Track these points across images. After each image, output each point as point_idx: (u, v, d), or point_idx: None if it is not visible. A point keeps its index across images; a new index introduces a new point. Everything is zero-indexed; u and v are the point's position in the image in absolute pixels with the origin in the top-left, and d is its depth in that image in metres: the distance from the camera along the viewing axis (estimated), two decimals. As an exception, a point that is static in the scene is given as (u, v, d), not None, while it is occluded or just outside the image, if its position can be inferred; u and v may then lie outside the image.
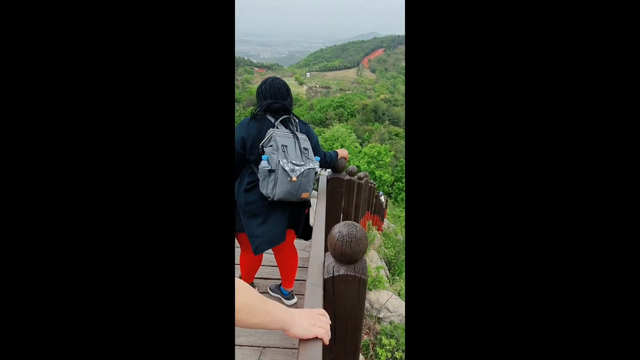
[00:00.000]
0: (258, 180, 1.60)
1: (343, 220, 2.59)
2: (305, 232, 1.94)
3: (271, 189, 1.54)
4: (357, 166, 22.56)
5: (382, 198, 13.97)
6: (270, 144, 1.54)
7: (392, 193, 25.64)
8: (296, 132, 1.66)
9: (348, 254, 0.91)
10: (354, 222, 0.95)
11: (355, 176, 3.79)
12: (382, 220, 11.90)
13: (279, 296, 2.19)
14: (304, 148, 1.61)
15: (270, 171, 1.53)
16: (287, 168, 1.52)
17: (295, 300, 2.19)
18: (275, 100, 1.65)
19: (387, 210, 15.74)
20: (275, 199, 1.56)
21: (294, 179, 1.53)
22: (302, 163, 1.58)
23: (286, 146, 1.55)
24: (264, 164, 1.54)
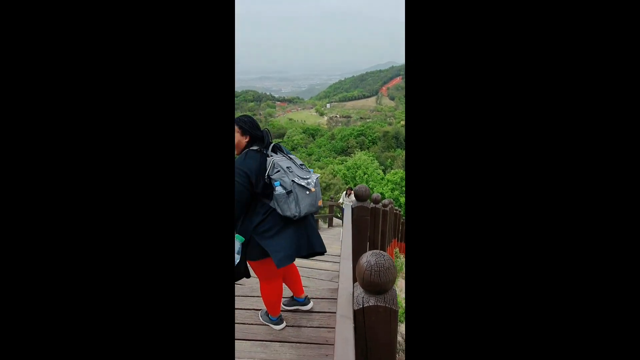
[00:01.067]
0: (271, 208, 1.69)
1: (369, 249, 2.55)
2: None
3: (294, 207, 1.64)
4: (381, 193, 22.29)
5: (409, 225, 13.61)
6: (276, 169, 1.65)
7: (418, 219, 24.95)
8: (287, 154, 1.82)
9: (377, 284, 0.89)
10: (381, 251, 0.94)
11: (380, 203, 3.75)
12: (410, 248, 11.54)
13: (296, 307, 2.17)
14: (300, 164, 1.77)
15: (288, 192, 1.63)
16: (303, 183, 1.65)
17: (311, 304, 2.23)
18: (261, 132, 1.80)
19: (415, 237, 15.29)
20: (302, 214, 1.65)
21: (313, 189, 1.67)
22: (308, 176, 1.72)
23: (289, 167, 1.68)
24: (279, 189, 1.64)
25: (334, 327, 2.29)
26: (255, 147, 1.73)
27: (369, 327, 0.92)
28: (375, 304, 0.90)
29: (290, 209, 1.64)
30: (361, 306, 0.91)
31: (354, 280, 1.28)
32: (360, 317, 0.91)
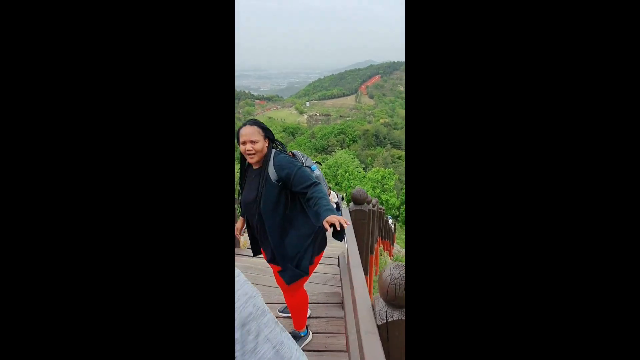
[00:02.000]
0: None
1: (363, 251, 2.52)
2: None
3: (325, 184, 1.80)
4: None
5: (391, 222, 13.80)
6: (305, 157, 1.84)
7: (399, 216, 25.37)
8: None
9: (402, 298, 0.86)
10: (403, 264, 0.91)
11: (370, 204, 3.75)
12: (392, 245, 11.68)
13: (288, 315, 2.15)
14: None
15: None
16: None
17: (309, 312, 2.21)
18: None
19: (396, 235, 15.51)
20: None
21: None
22: None
23: None
24: (317, 171, 1.80)
25: (332, 333, 2.26)
26: (278, 149, 1.71)
27: (393, 342, 0.89)
28: (400, 318, 0.87)
29: (325, 186, 1.79)
30: (385, 321, 0.88)
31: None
32: (384, 332, 0.88)
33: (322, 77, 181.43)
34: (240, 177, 1.82)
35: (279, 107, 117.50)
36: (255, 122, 1.67)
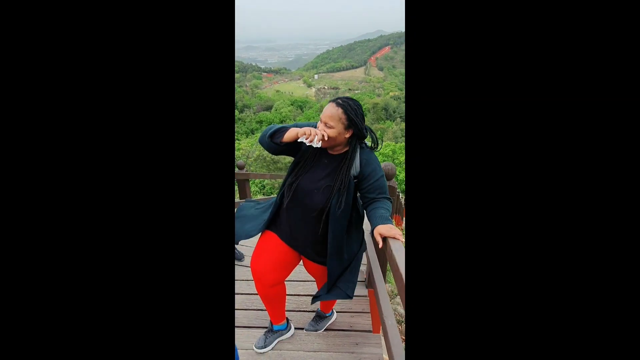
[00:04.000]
0: None
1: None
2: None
3: None
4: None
5: (402, 197, 13.67)
6: None
7: (408, 191, 25.15)
8: None
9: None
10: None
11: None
12: (403, 220, 11.64)
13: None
14: None
15: None
16: None
17: (335, 316, 2.05)
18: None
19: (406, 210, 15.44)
20: None
21: None
22: None
23: None
24: None
25: (357, 312, 2.20)
26: (371, 147, 1.45)
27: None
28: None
29: None
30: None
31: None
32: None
33: (331, 49, 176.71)
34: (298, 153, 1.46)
35: (286, 80, 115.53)
36: (343, 104, 1.28)
